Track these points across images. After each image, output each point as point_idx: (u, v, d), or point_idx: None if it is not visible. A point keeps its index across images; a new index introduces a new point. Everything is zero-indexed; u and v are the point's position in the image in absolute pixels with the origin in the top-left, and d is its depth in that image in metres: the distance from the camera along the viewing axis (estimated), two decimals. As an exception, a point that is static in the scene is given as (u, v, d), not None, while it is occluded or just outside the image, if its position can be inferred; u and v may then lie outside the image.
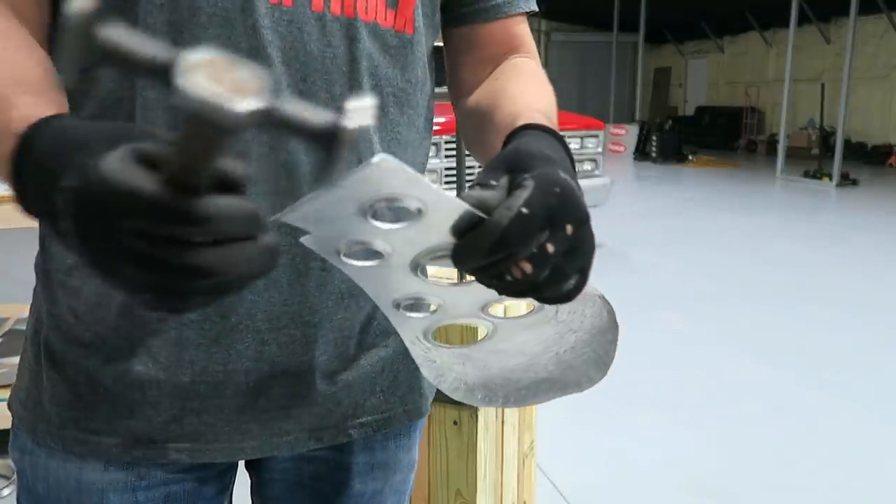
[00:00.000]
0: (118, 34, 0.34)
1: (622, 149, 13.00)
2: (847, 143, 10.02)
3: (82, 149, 0.42)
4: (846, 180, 8.99)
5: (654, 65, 17.21)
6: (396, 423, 0.76)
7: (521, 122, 0.61)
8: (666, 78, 17.32)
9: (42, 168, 0.45)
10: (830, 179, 9.02)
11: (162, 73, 0.33)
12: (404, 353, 0.70)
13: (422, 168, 0.74)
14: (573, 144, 5.54)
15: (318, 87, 0.63)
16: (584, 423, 2.71)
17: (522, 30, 0.80)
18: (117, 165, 0.37)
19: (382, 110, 0.67)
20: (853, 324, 3.82)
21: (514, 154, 0.51)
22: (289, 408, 0.68)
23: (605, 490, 2.26)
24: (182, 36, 0.58)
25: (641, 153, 12.36)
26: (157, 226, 0.36)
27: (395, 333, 0.64)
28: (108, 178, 0.37)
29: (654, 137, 12.07)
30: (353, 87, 0.64)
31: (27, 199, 0.47)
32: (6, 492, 2.21)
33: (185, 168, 0.36)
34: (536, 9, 0.81)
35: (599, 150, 5.72)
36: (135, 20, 0.58)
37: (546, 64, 13.54)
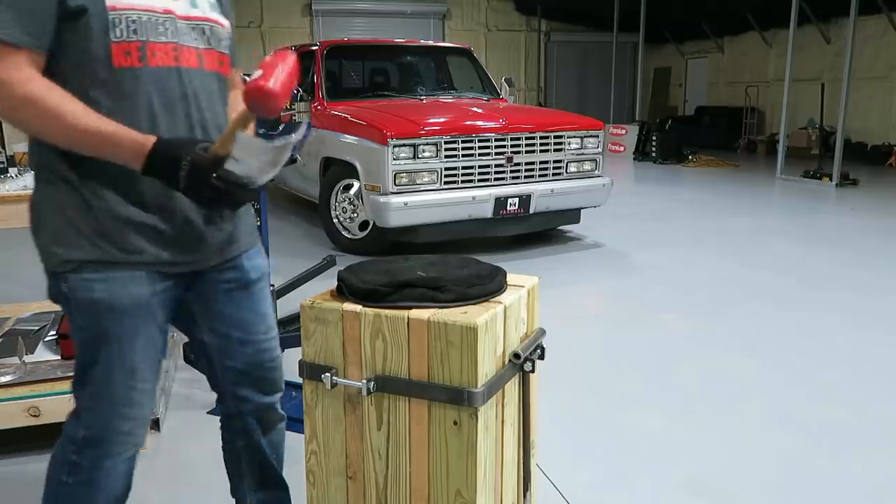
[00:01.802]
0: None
1: (622, 149, 12.99)
2: (847, 143, 10.00)
3: (185, 145, 1.26)
4: (846, 180, 8.98)
5: (654, 65, 17.21)
6: (253, 239, 1.57)
7: None
8: (666, 78, 17.33)
9: (171, 155, 1.24)
10: (830, 179, 9.01)
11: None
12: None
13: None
14: (573, 144, 5.55)
15: (215, 114, 1.43)
16: (584, 423, 2.70)
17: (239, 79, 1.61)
18: (202, 153, 1.24)
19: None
20: (853, 324, 3.82)
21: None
22: (222, 242, 1.46)
23: (605, 490, 2.26)
24: (134, 98, 1.32)
25: (641, 153, 12.36)
26: (217, 174, 1.23)
27: None
28: (201, 157, 1.24)
29: (654, 137, 12.06)
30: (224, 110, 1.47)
31: (151, 170, 1.24)
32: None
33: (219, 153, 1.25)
34: None
35: (599, 150, 5.72)
36: (85, 93, 1.26)
37: (546, 64, 13.51)
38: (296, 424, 2.05)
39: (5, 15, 1.17)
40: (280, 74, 1.22)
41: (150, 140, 1.23)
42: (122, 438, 1.40)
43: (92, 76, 1.26)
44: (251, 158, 1.23)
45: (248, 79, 1.24)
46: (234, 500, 1.78)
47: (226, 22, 1.45)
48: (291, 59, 1.26)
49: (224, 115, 1.45)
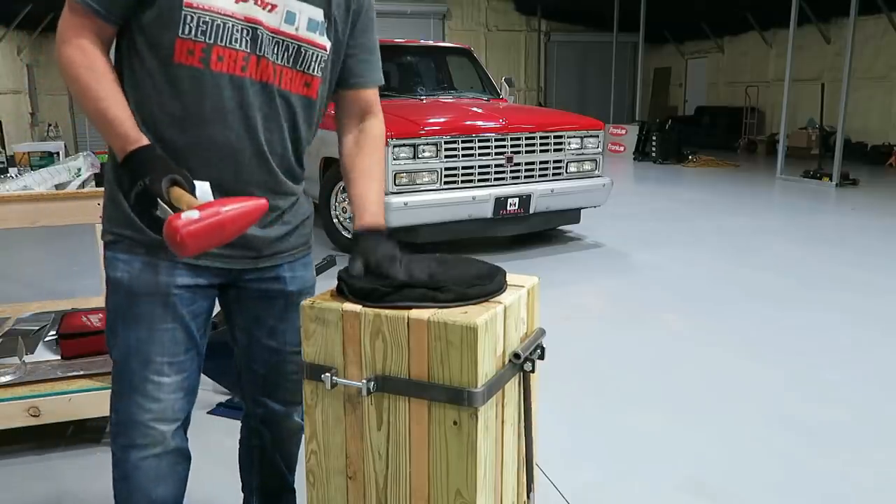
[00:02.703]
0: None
1: (622, 149, 12.99)
2: (847, 143, 10.00)
3: (155, 170, 1.20)
4: (846, 180, 8.99)
5: (654, 65, 17.21)
6: (302, 251, 1.56)
7: (367, 221, 1.42)
8: (666, 78, 17.33)
9: (139, 167, 1.21)
10: (830, 179, 9.02)
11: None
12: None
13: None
14: (573, 144, 5.55)
15: (272, 133, 1.39)
16: (584, 423, 2.71)
17: (375, 96, 1.55)
18: (162, 186, 1.17)
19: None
20: (853, 324, 3.82)
21: (376, 262, 1.36)
22: (263, 247, 1.45)
23: (605, 490, 2.26)
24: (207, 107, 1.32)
25: (641, 153, 12.36)
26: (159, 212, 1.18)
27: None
28: (157, 190, 1.17)
29: (654, 137, 12.06)
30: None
31: (122, 168, 1.26)
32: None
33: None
34: (383, 83, 1.55)
35: (599, 150, 5.72)
36: (152, 77, 1.31)
37: (546, 64, 13.53)
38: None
39: None
40: (210, 221, 1.11)
41: (137, 144, 1.24)
42: (143, 430, 1.41)
43: (158, 64, 1.28)
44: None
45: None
46: (231, 500, 1.79)
47: (325, 43, 1.39)
48: (247, 209, 1.17)
49: (287, 141, 1.41)
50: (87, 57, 1.25)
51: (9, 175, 2.67)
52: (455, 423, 1.32)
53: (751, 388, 3.02)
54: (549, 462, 2.31)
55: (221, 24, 1.26)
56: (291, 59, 1.36)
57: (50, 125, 12.99)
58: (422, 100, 6.22)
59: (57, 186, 2.47)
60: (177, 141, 1.31)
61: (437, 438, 1.34)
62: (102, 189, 2.24)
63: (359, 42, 1.48)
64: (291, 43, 1.35)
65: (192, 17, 1.25)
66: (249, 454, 1.72)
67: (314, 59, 1.38)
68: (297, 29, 1.34)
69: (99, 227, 2.24)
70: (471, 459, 1.32)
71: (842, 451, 2.50)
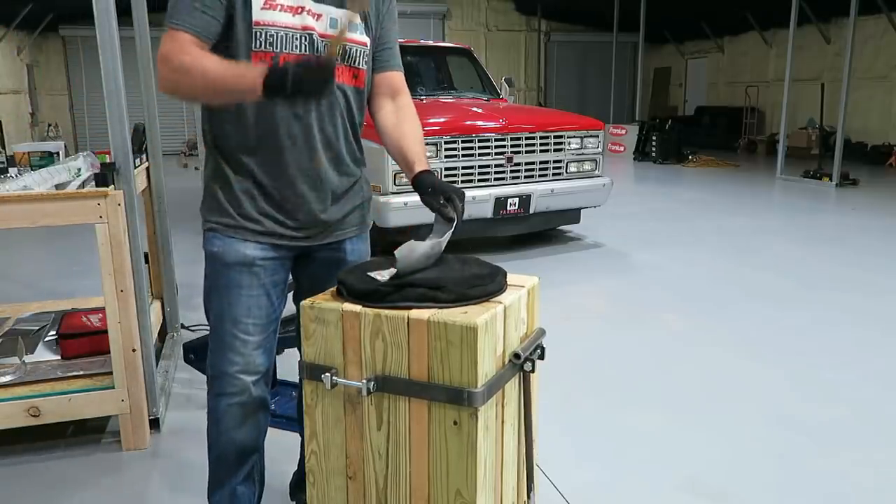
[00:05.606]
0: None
1: (622, 149, 12.99)
2: (847, 143, 10.00)
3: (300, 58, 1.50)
4: (846, 180, 8.98)
5: (654, 65, 17.21)
6: (362, 228, 1.84)
7: (420, 168, 1.64)
8: (666, 78, 17.33)
9: (278, 71, 1.39)
10: (830, 179, 9.01)
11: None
12: (362, 203, 1.82)
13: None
14: (573, 144, 5.55)
15: (335, 119, 1.66)
16: (584, 423, 2.71)
17: (401, 78, 1.80)
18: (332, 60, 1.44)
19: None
20: (853, 324, 3.82)
21: (439, 185, 1.61)
22: (331, 225, 1.73)
23: (605, 490, 2.26)
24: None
25: (641, 153, 12.36)
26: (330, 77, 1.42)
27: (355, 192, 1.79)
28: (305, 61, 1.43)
29: (654, 137, 12.06)
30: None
31: (267, 83, 1.38)
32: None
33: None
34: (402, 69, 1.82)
35: (599, 150, 5.72)
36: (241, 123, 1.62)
37: (546, 64, 13.49)
38: (295, 424, 2.05)
39: (179, 12, 1.49)
40: None
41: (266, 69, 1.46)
42: (230, 380, 1.67)
43: None
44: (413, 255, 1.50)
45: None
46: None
47: (366, 40, 1.67)
48: None
49: (347, 125, 1.69)
50: (195, 54, 1.47)
51: (9, 175, 2.67)
52: (455, 422, 1.32)
53: (751, 388, 3.02)
54: (549, 462, 2.31)
55: (284, 35, 1.55)
56: (340, 57, 1.61)
57: (50, 125, 12.99)
58: (422, 100, 6.20)
59: (57, 186, 2.46)
60: (260, 136, 1.59)
61: (437, 438, 1.34)
62: (102, 189, 2.26)
63: (386, 35, 1.76)
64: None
65: (260, 33, 1.53)
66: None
67: (359, 54, 1.66)
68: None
69: (99, 227, 2.27)
70: (471, 459, 1.32)
71: (842, 450, 2.49)
